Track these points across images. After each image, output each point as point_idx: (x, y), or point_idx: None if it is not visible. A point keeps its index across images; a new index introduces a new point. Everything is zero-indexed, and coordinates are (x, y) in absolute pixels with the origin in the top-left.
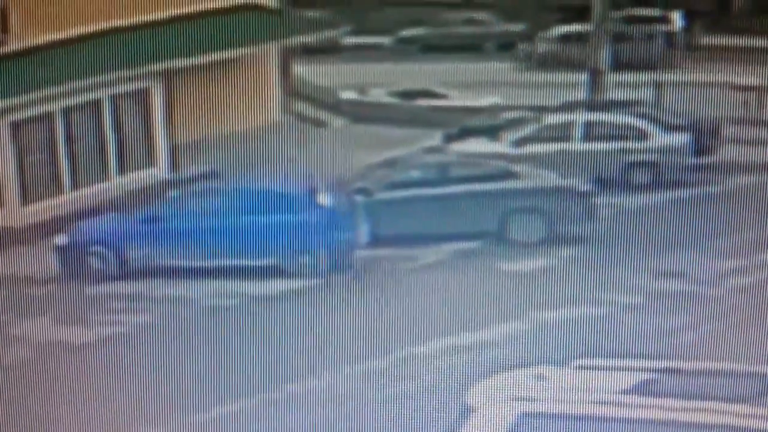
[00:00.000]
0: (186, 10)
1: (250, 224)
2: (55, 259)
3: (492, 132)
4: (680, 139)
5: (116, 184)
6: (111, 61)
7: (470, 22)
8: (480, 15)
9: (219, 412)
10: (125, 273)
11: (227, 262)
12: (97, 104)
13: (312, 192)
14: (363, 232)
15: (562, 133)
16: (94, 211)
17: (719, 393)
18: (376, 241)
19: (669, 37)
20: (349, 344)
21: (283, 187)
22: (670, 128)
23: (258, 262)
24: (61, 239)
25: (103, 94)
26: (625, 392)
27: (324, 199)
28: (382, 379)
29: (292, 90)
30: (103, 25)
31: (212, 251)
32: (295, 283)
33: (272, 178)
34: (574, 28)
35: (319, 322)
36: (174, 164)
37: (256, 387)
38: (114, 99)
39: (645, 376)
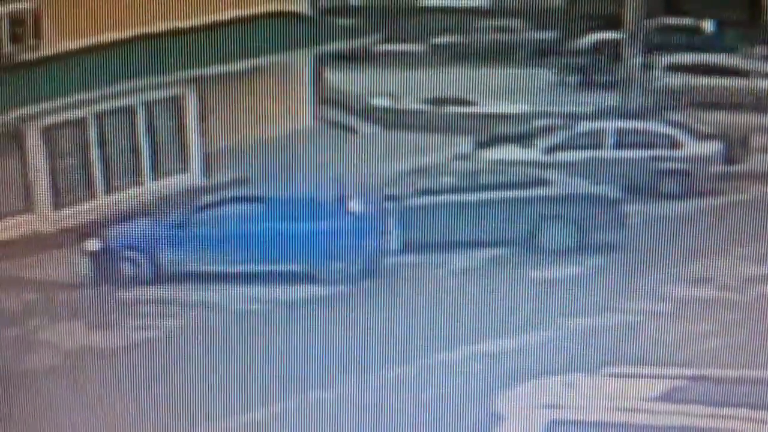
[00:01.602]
0: (219, 17)
1: (282, 231)
2: (87, 263)
3: (523, 139)
4: (711, 147)
5: (149, 189)
6: (144, 67)
7: (502, 29)
8: (511, 22)
9: (249, 417)
10: (158, 278)
11: (258, 267)
12: (130, 110)
13: (343, 198)
14: (393, 239)
15: (594, 140)
16: (126, 216)
17: (747, 400)
18: (406, 247)
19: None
20: (379, 351)
21: (315, 193)
22: (700, 137)
23: (289, 268)
24: (93, 244)
25: (137, 100)
26: (654, 399)
27: (355, 205)
28: (411, 385)
29: (324, 97)
30: (136, 31)
31: (243, 257)
32: (325, 290)
33: (304, 184)
34: (607, 35)
35: (348, 329)
36: (207, 170)
37: (286, 392)
38: (147, 105)
39: (674, 383)
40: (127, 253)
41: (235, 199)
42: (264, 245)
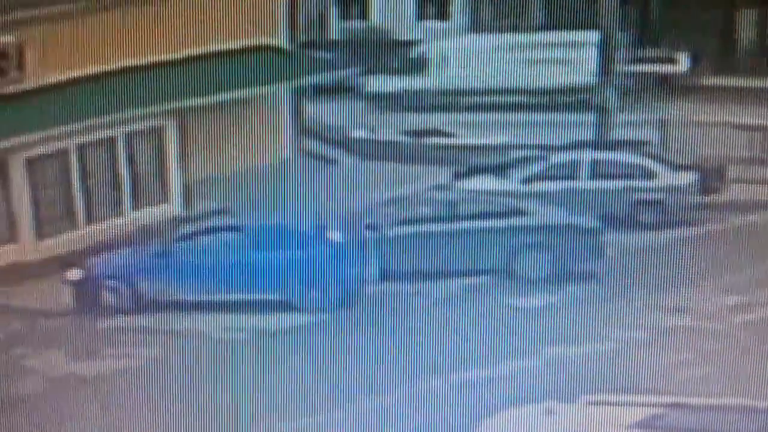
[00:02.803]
0: (200, 50)
1: (261, 260)
2: (69, 292)
3: (499, 170)
4: (686, 178)
5: (130, 219)
6: (125, 100)
7: None
8: None
9: None
10: (139, 307)
11: (238, 296)
12: (111, 141)
13: (322, 228)
14: (372, 268)
15: (569, 171)
16: (108, 246)
17: (725, 428)
18: (385, 276)
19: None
20: (358, 380)
21: (294, 223)
22: (675, 167)
23: (268, 297)
24: (75, 274)
25: (118, 131)
26: (633, 427)
27: (334, 235)
28: (390, 414)
29: (303, 128)
30: (117, 64)
31: (223, 286)
32: (304, 318)
33: (283, 214)
34: None
35: (326, 358)
36: (187, 201)
37: (265, 421)
38: (128, 136)
39: (652, 411)
40: (108, 283)
41: (215, 229)
42: (244, 274)
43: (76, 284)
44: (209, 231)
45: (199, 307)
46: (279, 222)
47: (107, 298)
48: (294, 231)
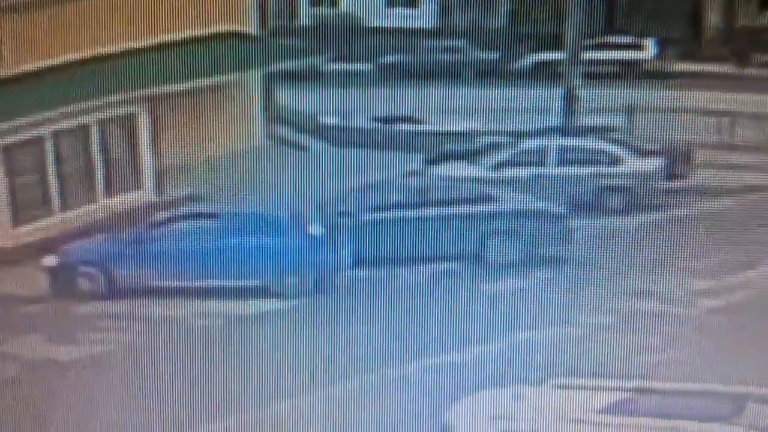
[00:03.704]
0: (171, 37)
1: (236, 246)
2: (45, 278)
3: (470, 156)
4: (653, 163)
5: (103, 206)
6: (99, 87)
7: (447, 49)
8: (457, 43)
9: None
10: (114, 293)
11: (213, 283)
12: (85, 129)
13: (296, 215)
14: (344, 254)
15: (538, 157)
16: (83, 232)
17: (693, 412)
18: (357, 262)
19: (642, 63)
20: (331, 365)
21: (269, 209)
22: (642, 153)
23: (243, 283)
24: (50, 260)
25: (91, 119)
26: (602, 411)
27: (314, 228)
28: (362, 398)
29: (274, 115)
30: (90, 52)
31: (199, 272)
32: (278, 304)
33: (258, 201)
34: (549, 55)
35: (299, 344)
36: (159, 187)
37: (239, 407)
38: (101, 123)
39: (620, 395)
40: (84, 269)
41: (190, 216)
42: (219, 261)
43: (52, 270)
44: (184, 217)
45: (174, 293)
46: (254, 209)
47: (83, 284)
48: (269, 217)
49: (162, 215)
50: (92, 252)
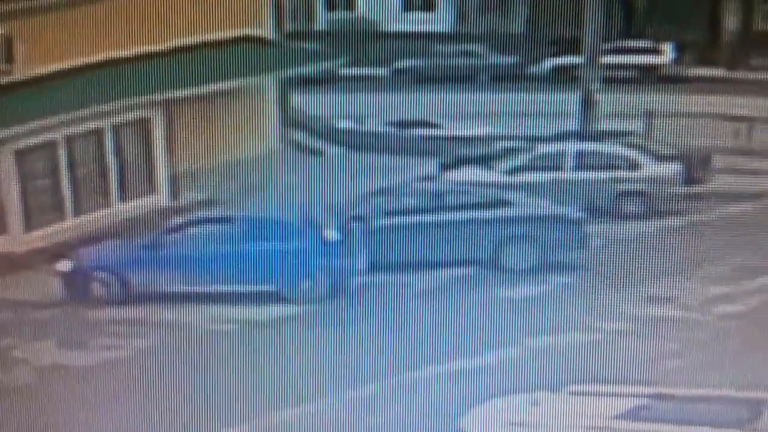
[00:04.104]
0: (186, 41)
1: (251, 251)
2: (59, 284)
3: (485, 161)
4: (670, 168)
5: (117, 210)
6: (113, 91)
7: (464, 54)
8: (474, 47)
9: None
10: (128, 298)
11: (228, 288)
12: (98, 133)
13: (311, 219)
14: (360, 259)
15: (554, 162)
16: (97, 238)
17: (709, 418)
18: (372, 268)
19: (660, 68)
20: (346, 370)
21: (283, 214)
22: (660, 158)
23: (258, 288)
24: (64, 265)
25: (105, 123)
26: (618, 417)
27: (331, 233)
28: (377, 404)
29: (289, 120)
30: (105, 55)
31: (213, 277)
32: (292, 310)
33: (272, 205)
34: (567, 60)
35: (314, 349)
36: (174, 192)
37: (255, 412)
38: (115, 128)
39: (637, 401)
40: (98, 274)
41: (204, 221)
42: (233, 266)
43: (66, 275)
44: (199, 222)
45: (187, 298)
46: (270, 213)
47: (97, 289)
48: (283, 222)
49: (177, 220)
50: (107, 257)
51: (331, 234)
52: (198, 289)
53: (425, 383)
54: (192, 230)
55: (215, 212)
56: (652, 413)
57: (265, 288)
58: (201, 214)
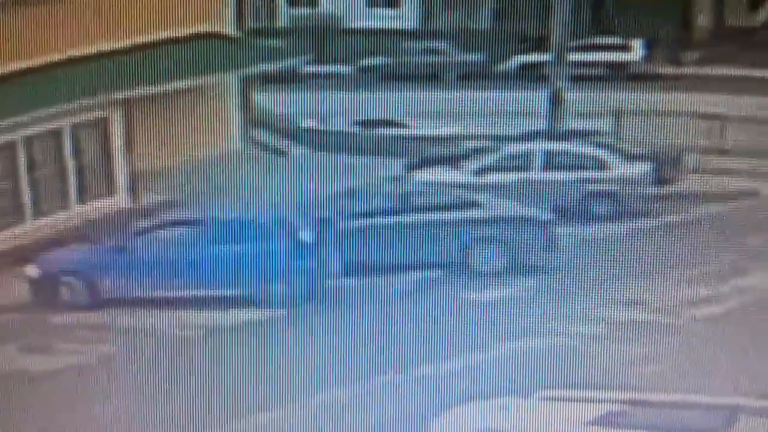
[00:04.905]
0: (145, 38)
1: (221, 254)
2: (24, 288)
3: (453, 161)
4: (641, 168)
5: (76, 213)
6: (71, 90)
7: (429, 51)
8: (439, 44)
9: None
10: (94, 303)
11: (197, 292)
12: (57, 133)
13: (283, 221)
14: (335, 262)
15: (523, 162)
16: (60, 241)
17: (685, 424)
18: (337, 271)
19: (630, 65)
20: (312, 376)
21: (255, 216)
22: (630, 158)
23: (229, 293)
24: (32, 270)
25: (64, 122)
26: (590, 423)
27: (305, 236)
28: (344, 410)
29: (252, 119)
30: (62, 54)
31: (183, 282)
32: (260, 315)
33: (243, 207)
34: (534, 57)
35: (281, 354)
36: (134, 193)
37: (221, 418)
38: (74, 128)
39: (610, 407)
40: (65, 279)
41: (173, 223)
42: (203, 269)
43: (32, 280)
44: (167, 225)
45: (153, 303)
46: (240, 215)
47: (63, 294)
48: (257, 224)
49: (144, 223)
50: (74, 262)
51: (305, 236)
52: (167, 294)
53: (392, 389)
54: (160, 233)
55: (183, 214)
56: (626, 419)
57: (236, 292)
58: (169, 216)
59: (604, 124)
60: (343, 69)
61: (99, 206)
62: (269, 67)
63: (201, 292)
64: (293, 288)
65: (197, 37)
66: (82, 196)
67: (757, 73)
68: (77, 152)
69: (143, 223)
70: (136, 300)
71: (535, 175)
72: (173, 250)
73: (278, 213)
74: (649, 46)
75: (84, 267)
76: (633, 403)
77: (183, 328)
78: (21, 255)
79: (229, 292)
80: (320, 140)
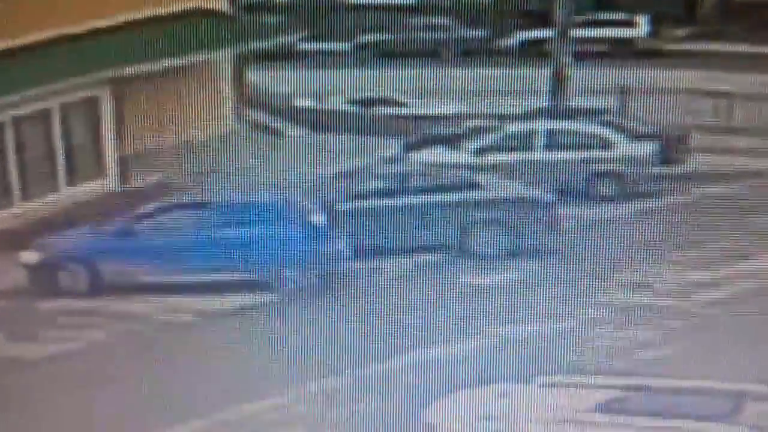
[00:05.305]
0: (136, 15)
1: (221, 238)
2: (23, 274)
3: (453, 141)
4: (646, 147)
5: (65, 195)
6: (60, 69)
7: (429, 27)
8: (439, 20)
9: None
10: (98, 290)
11: (200, 277)
12: (46, 114)
13: (296, 205)
14: (345, 245)
15: (525, 142)
16: (49, 224)
17: (689, 411)
18: (334, 253)
19: (634, 41)
20: (307, 363)
21: (265, 198)
22: (635, 137)
23: (237, 278)
24: (31, 255)
25: (53, 102)
26: (592, 410)
27: (317, 218)
28: (340, 397)
29: (246, 98)
30: (52, 32)
31: (190, 266)
32: (254, 300)
33: (253, 188)
34: (537, 33)
35: (275, 341)
36: (124, 175)
37: (216, 405)
38: (63, 108)
39: (612, 393)
40: (67, 264)
41: (179, 206)
42: (211, 254)
43: (30, 266)
44: (173, 208)
45: (155, 289)
46: (245, 198)
47: (64, 280)
48: (268, 207)
49: (150, 207)
50: (75, 247)
51: (318, 219)
52: (175, 279)
53: (389, 375)
54: (167, 217)
55: (186, 197)
56: (628, 406)
57: (245, 277)
58: (177, 199)
59: (609, 103)
60: (340, 46)
61: (89, 188)
62: (263, 44)
63: (197, 278)
64: (310, 273)
65: (189, 13)
66: (71, 179)
67: (765, 50)
68: (67, 134)
69: (149, 207)
70: (138, 285)
71: (537, 154)
72: (177, 235)
73: (286, 195)
74: (655, 22)
75: (88, 253)
76: (636, 388)
77: (174, 312)
78: (9, 239)
79: (240, 277)
80: (316, 120)
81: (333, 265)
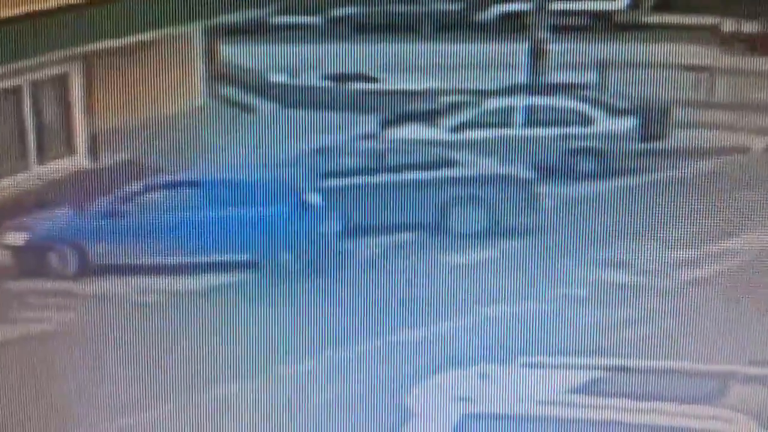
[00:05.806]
0: None
1: (208, 218)
2: (9, 257)
3: (429, 117)
4: (627, 123)
5: (36, 174)
6: (30, 45)
7: (406, 0)
8: None
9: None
10: (87, 271)
11: (186, 258)
12: (17, 91)
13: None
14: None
15: (503, 118)
16: (19, 205)
17: (673, 393)
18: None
19: (614, 14)
20: (282, 345)
21: (257, 176)
22: (615, 112)
23: (229, 258)
24: (17, 237)
25: (23, 79)
26: (573, 391)
27: (313, 197)
28: (316, 380)
29: (217, 73)
30: (20, 9)
31: (178, 247)
32: (229, 278)
33: (244, 167)
34: (514, 6)
35: (248, 322)
36: (94, 152)
37: (191, 389)
38: (33, 85)
39: (593, 374)
40: (54, 246)
41: (170, 185)
42: (204, 234)
43: (16, 248)
44: (163, 187)
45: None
46: (241, 176)
47: (52, 262)
48: (261, 186)
49: (138, 186)
50: (62, 228)
51: (313, 198)
52: (164, 259)
53: (366, 357)
54: (158, 196)
55: (182, 177)
56: (611, 387)
57: (236, 258)
58: (167, 178)
59: (588, 77)
60: (313, 20)
61: (58, 166)
62: (235, 17)
63: (201, 258)
64: (305, 253)
65: None
66: (41, 157)
67: (747, 24)
68: (37, 111)
69: (136, 186)
70: (126, 267)
71: (515, 131)
72: (165, 215)
73: (288, 173)
74: None
75: (75, 234)
76: (619, 369)
77: (149, 293)
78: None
79: (231, 258)
80: (289, 95)
81: (331, 246)
